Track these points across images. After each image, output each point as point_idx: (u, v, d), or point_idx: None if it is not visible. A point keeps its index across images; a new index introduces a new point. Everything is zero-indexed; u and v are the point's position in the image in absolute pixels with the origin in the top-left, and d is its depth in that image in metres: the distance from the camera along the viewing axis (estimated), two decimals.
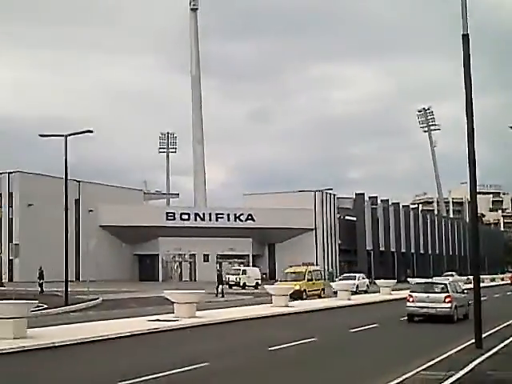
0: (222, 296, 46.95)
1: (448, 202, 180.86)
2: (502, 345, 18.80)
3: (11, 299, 26.59)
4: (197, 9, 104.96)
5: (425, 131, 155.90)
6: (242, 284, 62.87)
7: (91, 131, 38.28)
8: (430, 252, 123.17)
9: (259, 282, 64.23)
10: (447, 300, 27.09)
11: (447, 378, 13.29)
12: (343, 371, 15.29)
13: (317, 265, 72.01)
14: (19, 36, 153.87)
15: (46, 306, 34.37)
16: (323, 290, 48.03)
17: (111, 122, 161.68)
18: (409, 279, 65.28)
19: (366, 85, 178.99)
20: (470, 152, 18.22)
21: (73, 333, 20.55)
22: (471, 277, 24.04)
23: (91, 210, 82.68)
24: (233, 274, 65.00)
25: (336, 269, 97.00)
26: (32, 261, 58.48)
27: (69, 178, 38.76)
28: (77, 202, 79.74)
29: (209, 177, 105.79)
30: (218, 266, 78.18)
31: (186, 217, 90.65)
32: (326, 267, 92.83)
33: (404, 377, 13.63)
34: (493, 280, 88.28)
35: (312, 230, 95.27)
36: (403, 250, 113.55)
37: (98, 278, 63.60)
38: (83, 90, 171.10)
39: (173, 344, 20.13)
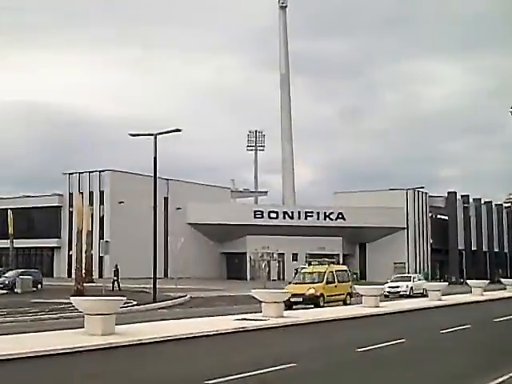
0: None
1: None
2: None
3: (100, 295, 26.98)
4: (286, 6, 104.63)
5: None
6: None
7: (180, 130, 38.71)
8: None
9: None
10: None
11: None
12: (434, 373, 14.64)
13: (407, 264, 70.38)
14: (106, 37, 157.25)
15: (135, 303, 34.89)
16: (349, 294, 38.40)
17: (198, 121, 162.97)
18: (502, 280, 63.16)
19: (455, 81, 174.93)
20: None
21: (160, 330, 20.55)
22: None
23: (179, 208, 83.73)
24: None
25: (428, 269, 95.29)
26: (121, 258, 59.48)
27: (158, 176, 39.24)
28: (165, 199, 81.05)
29: (297, 175, 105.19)
30: (306, 264, 77.56)
31: (274, 215, 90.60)
32: (418, 267, 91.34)
33: (500, 379, 12.93)
34: None
35: (404, 229, 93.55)
36: (496, 250, 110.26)
37: (185, 275, 64.22)
38: (167, 89, 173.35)
39: (259, 344, 19.84)
